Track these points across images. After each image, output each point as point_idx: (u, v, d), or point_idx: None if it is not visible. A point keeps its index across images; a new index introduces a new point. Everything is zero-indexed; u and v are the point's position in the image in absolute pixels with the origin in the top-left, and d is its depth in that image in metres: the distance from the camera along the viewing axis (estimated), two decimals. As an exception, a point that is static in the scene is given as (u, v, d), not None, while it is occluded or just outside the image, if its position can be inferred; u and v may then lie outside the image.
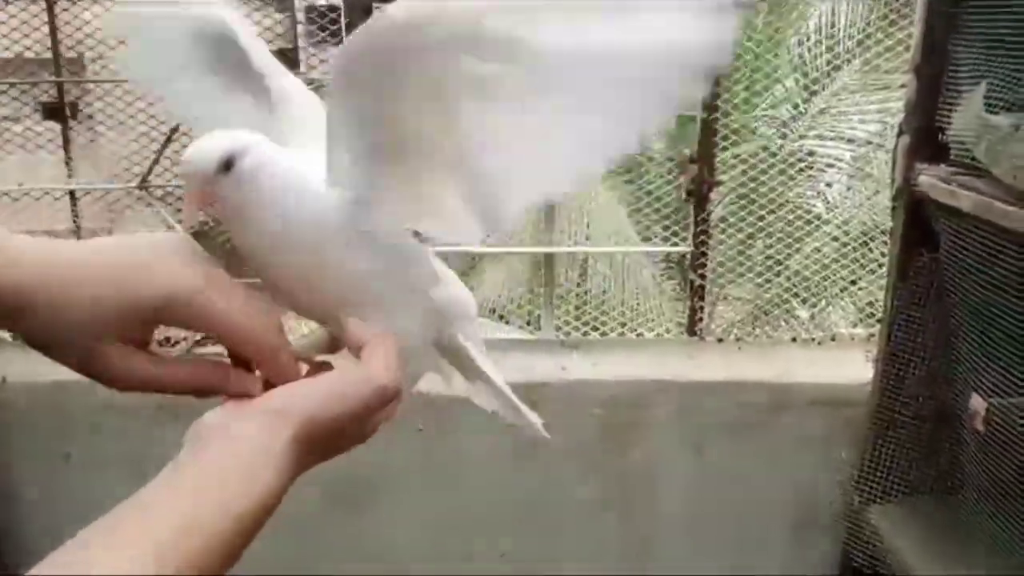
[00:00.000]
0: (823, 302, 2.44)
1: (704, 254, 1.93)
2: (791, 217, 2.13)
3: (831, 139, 3.71)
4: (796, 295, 2.31)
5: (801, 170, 2.79)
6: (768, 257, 2.15)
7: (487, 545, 1.97)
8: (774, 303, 2.42)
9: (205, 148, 0.56)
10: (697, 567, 1.97)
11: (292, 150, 0.61)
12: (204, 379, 0.55)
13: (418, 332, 0.64)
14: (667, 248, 2.01)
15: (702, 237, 1.93)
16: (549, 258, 2.02)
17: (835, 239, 2.60)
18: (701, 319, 1.99)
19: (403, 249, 0.62)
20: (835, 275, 2.27)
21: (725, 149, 2.00)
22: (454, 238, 0.63)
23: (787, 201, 2.15)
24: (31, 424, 1.98)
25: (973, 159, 1.45)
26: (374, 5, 1.89)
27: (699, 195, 1.88)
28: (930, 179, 1.56)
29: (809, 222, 2.23)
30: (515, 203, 0.58)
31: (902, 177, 1.66)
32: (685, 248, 1.95)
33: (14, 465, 1.97)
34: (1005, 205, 1.34)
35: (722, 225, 2.10)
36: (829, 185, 3.23)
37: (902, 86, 1.99)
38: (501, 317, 3.16)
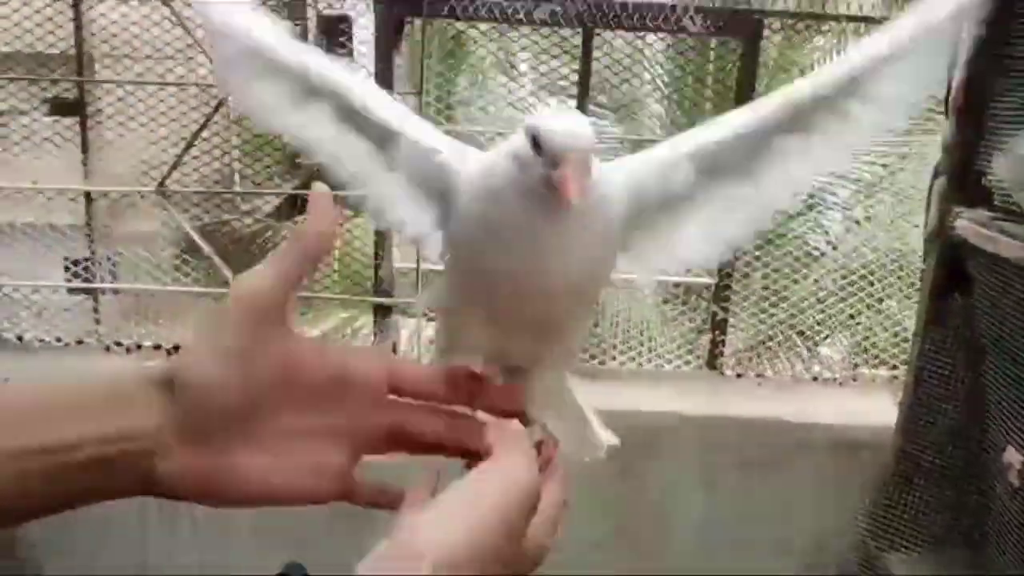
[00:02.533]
0: (823, 335, 2.40)
1: (728, 287, 1.90)
2: (792, 250, 2.10)
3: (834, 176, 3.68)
4: (800, 332, 2.28)
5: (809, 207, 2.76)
6: (766, 288, 2.12)
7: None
8: (774, 336, 2.38)
9: (583, 124, 0.52)
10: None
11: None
12: None
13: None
14: (690, 279, 1.98)
15: (727, 270, 1.89)
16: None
17: (837, 272, 2.57)
18: (722, 353, 1.95)
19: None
20: (832, 309, 2.23)
21: None
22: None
23: (790, 235, 2.13)
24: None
25: (1015, 204, 1.42)
26: (404, 20, 1.89)
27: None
28: (968, 223, 1.52)
29: (811, 255, 2.21)
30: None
31: (937, 220, 1.62)
32: (709, 280, 1.92)
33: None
34: (1049, 254, 1.31)
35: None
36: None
37: (906, 132, 1.96)
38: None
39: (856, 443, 1.85)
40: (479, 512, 0.45)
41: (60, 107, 2.23)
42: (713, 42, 2.06)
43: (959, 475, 1.65)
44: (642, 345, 2.01)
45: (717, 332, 1.93)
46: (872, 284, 2.22)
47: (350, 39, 2.96)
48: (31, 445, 0.44)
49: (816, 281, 2.51)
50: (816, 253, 2.65)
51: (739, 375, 1.98)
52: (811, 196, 3.25)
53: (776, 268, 2.09)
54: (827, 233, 3.33)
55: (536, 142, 0.50)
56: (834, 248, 3.23)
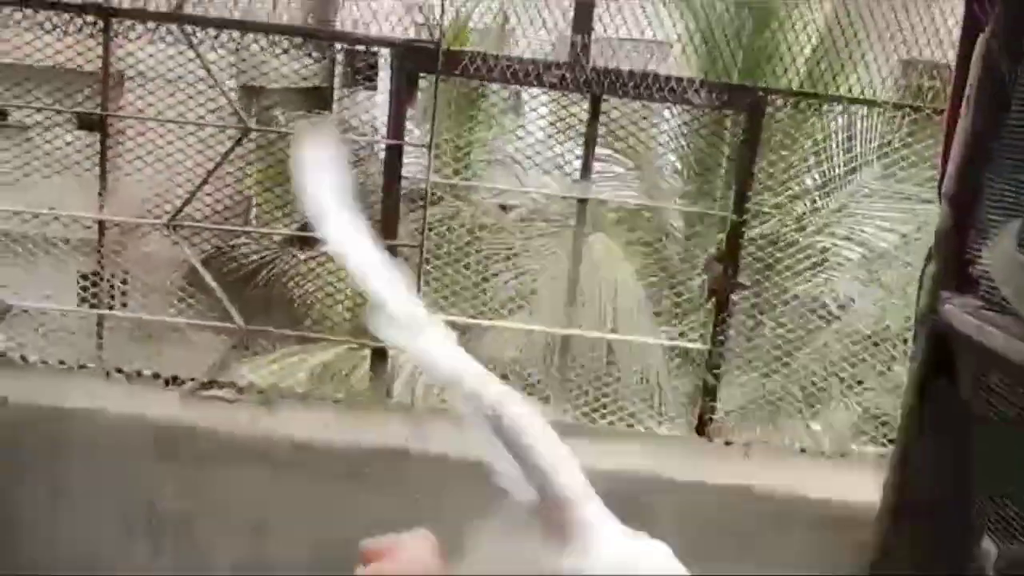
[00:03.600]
0: (831, 402, 2.41)
1: (721, 355, 1.92)
2: (804, 311, 2.12)
3: (845, 239, 3.72)
4: (803, 389, 2.28)
5: (817, 263, 2.79)
6: (777, 347, 2.13)
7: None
8: (779, 396, 2.39)
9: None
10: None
11: None
12: None
13: None
14: (684, 344, 2.00)
15: (720, 337, 1.91)
16: (566, 340, 2.01)
17: (847, 335, 2.58)
18: (711, 419, 1.96)
19: None
20: (842, 372, 2.24)
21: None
22: None
23: (799, 296, 2.15)
24: (29, 447, 1.97)
25: (1002, 297, 1.44)
26: (419, 75, 1.95)
27: (721, 295, 1.87)
28: (955, 310, 1.55)
29: (822, 317, 2.22)
30: None
31: (927, 304, 1.64)
32: (702, 346, 1.94)
33: (9, 487, 1.95)
34: (1032, 349, 1.32)
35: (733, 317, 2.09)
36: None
37: (925, 201, 1.98)
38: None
39: (844, 518, 1.85)
40: None
41: (86, 123, 2.30)
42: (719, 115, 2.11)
43: (940, 557, 1.64)
44: (633, 406, 2.03)
45: (707, 398, 1.95)
46: (880, 349, 2.23)
47: (375, 75, 3.06)
48: None
49: (825, 344, 2.52)
50: (825, 315, 2.67)
51: (728, 443, 1.98)
52: (823, 258, 3.29)
53: (783, 328, 2.10)
54: (837, 297, 3.34)
55: None
56: (843, 309, 3.25)
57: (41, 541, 1.98)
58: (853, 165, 3.38)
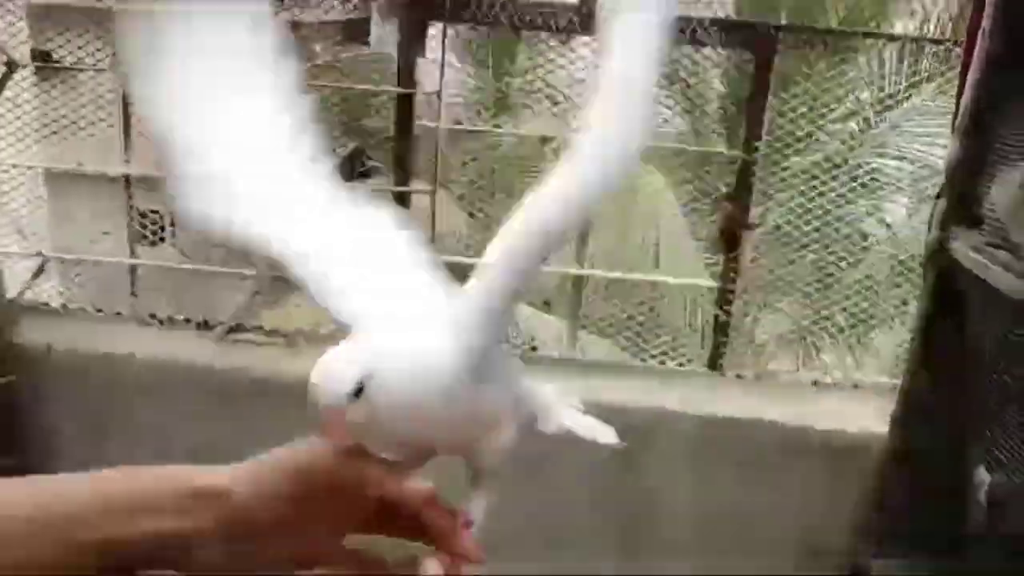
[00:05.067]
0: (871, 322, 2.39)
1: (732, 291, 1.95)
2: (847, 232, 2.11)
3: (895, 158, 3.65)
4: (844, 310, 2.28)
5: (863, 185, 2.75)
6: (820, 269, 2.14)
7: (489, 561, 2.02)
8: (815, 322, 2.39)
9: (335, 377, 0.55)
10: (697, 599, 2.01)
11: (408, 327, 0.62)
12: None
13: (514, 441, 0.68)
14: (696, 281, 2.03)
15: (732, 274, 1.94)
16: (578, 279, 2.05)
17: (892, 259, 2.54)
18: (724, 354, 2.00)
19: (508, 366, 0.67)
20: (884, 296, 2.24)
21: (783, 159, 2.00)
22: None
23: (843, 219, 2.14)
24: (73, 393, 2.08)
25: (1007, 233, 1.45)
26: (427, 24, 1.95)
27: (731, 234, 1.89)
28: (963, 246, 1.56)
29: (865, 238, 2.20)
30: None
31: (936, 239, 1.65)
32: (712, 283, 1.97)
33: (55, 433, 2.08)
34: (1033, 287, 1.34)
35: (772, 238, 2.11)
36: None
37: None
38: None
39: (852, 449, 1.90)
40: None
41: None
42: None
43: (941, 487, 1.69)
44: (646, 343, 2.08)
45: (719, 334, 1.99)
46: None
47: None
48: (94, 538, 0.54)
49: (870, 269, 2.49)
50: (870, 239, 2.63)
51: (739, 376, 2.03)
52: (870, 179, 3.22)
53: (824, 253, 2.09)
54: (884, 219, 3.29)
55: None
56: (892, 233, 3.20)
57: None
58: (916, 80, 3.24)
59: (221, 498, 0.57)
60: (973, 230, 1.58)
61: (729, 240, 1.90)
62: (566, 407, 0.75)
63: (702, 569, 1.98)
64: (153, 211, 2.43)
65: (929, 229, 1.70)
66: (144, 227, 2.42)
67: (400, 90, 1.85)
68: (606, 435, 0.75)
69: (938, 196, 1.68)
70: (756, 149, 1.85)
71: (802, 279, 2.17)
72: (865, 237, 3.02)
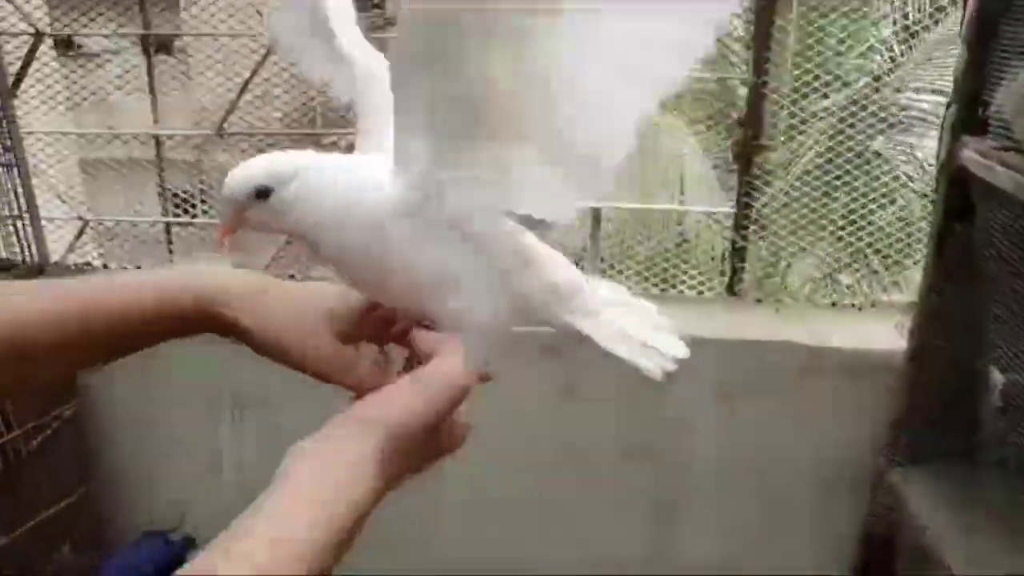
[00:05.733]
0: (905, 263, 2.37)
1: (747, 216, 1.97)
2: (878, 173, 2.10)
3: (927, 92, 3.57)
4: (878, 251, 2.27)
5: (891, 125, 2.71)
6: (852, 211, 2.13)
7: (522, 483, 2.09)
8: (848, 263, 2.39)
9: (239, 177, 0.57)
10: (723, 518, 2.06)
11: (357, 154, 0.65)
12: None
13: (503, 319, 0.64)
14: (710, 208, 2.05)
15: (746, 199, 1.96)
16: (596, 211, 2.09)
17: (923, 197, 2.52)
18: (741, 280, 2.03)
19: (480, 234, 0.61)
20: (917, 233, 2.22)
21: (804, 98, 2.00)
22: (552, 214, 0.63)
23: (873, 157, 2.12)
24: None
25: (1014, 135, 1.45)
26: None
27: (745, 158, 1.91)
28: (971, 153, 1.56)
29: (896, 178, 2.18)
30: (606, 161, 0.60)
31: (946, 149, 1.66)
32: (728, 209, 1.99)
33: (106, 382, 2.18)
34: (1038, 184, 1.35)
35: (803, 179, 2.11)
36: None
37: None
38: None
39: (870, 366, 1.93)
40: (421, 398, 0.56)
41: (158, 47, 2.40)
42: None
43: (957, 395, 1.72)
44: (665, 272, 2.11)
45: (736, 259, 2.01)
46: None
47: None
48: (104, 311, 0.62)
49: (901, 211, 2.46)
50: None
51: (759, 300, 2.06)
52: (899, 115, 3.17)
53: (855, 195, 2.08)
54: (916, 155, 3.24)
55: None
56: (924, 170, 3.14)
57: (144, 424, 2.22)
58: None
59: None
60: (982, 137, 1.58)
61: (744, 164, 1.91)
62: (620, 315, 0.70)
63: (725, 490, 2.03)
64: (185, 192, 2.52)
65: (940, 140, 1.71)
66: (176, 206, 2.51)
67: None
68: (651, 364, 0.69)
69: (948, 106, 1.68)
70: (767, 71, 1.86)
71: (834, 222, 2.15)
72: (897, 177, 2.97)
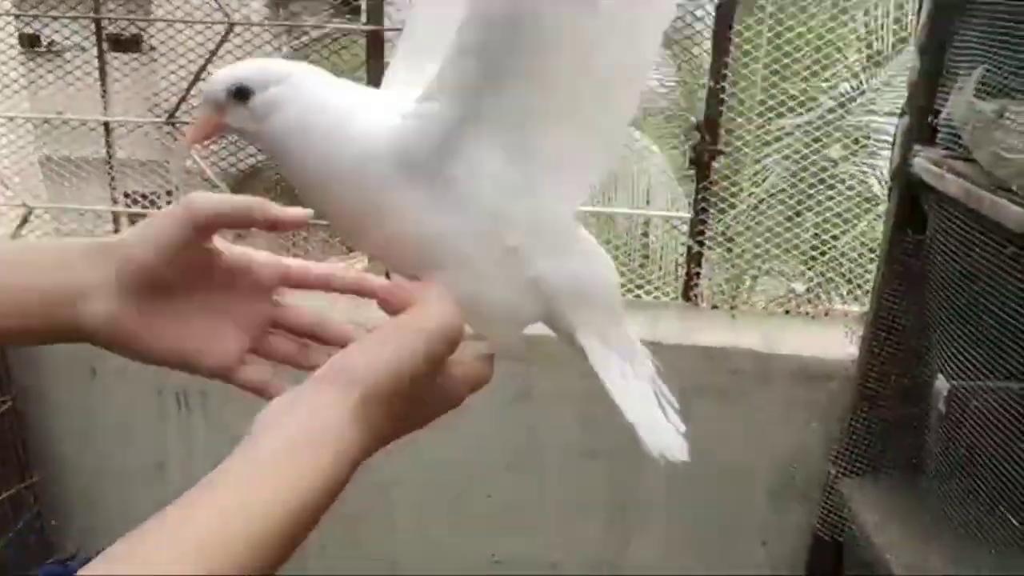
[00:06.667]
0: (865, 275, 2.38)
1: (704, 222, 1.96)
2: (847, 192, 2.11)
3: (889, 115, 3.61)
4: (843, 275, 2.28)
5: (856, 141, 2.72)
6: (817, 236, 2.13)
7: (477, 485, 2.07)
8: (818, 283, 2.39)
9: (221, 74, 0.53)
10: (675, 520, 2.05)
11: (361, 87, 0.57)
12: None
13: (511, 305, 0.57)
14: (667, 214, 2.05)
15: (703, 204, 1.95)
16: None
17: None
18: (696, 285, 2.03)
19: (492, 204, 0.54)
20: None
21: (772, 119, 2.01)
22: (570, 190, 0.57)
23: (841, 177, 2.14)
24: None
25: (962, 144, 1.46)
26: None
27: (701, 163, 1.90)
28: (923, 161, 1.57)
29: (868, 200, 2.20)
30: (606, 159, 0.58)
31: (899, 157, 1.66)
32: (685, 214, 1.99)
33: (45, 376, 2.13)
34: (985, 192, 1.35)
35: (770, 200, 2.12)
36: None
37: None
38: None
39: (823, 373, 1.93)
40: (401, 344, 0.49)
41: (119, 44, 2.34)
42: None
43: (905, 404, 1.72)
44: (623, 275, 2.10)
45: (692, 265, 2.01)
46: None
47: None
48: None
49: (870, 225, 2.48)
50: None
51: (714, 307, 2.05)
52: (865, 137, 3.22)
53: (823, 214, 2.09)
54: (880, 176, 3.28)
55: None
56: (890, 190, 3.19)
57: (86, 417, 2.16)
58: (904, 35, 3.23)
59: (118, 248, 0.55)
60: (933, 146, 1.59)
61: (701, 169, 1.91)
62: (642, 379, 0.64)
63: (676, 494, 2.02)
64: (143, 195, 2.46)
65: (892, 149, 1.72)
66: (135, 202, 2.44)
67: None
68: (669, 445, 0.63)
69: (901, 115, 1.69)
70: (724, 77, 1.86)
71: (798, 243, 2.15)
72: (862, 196, 3.00)
